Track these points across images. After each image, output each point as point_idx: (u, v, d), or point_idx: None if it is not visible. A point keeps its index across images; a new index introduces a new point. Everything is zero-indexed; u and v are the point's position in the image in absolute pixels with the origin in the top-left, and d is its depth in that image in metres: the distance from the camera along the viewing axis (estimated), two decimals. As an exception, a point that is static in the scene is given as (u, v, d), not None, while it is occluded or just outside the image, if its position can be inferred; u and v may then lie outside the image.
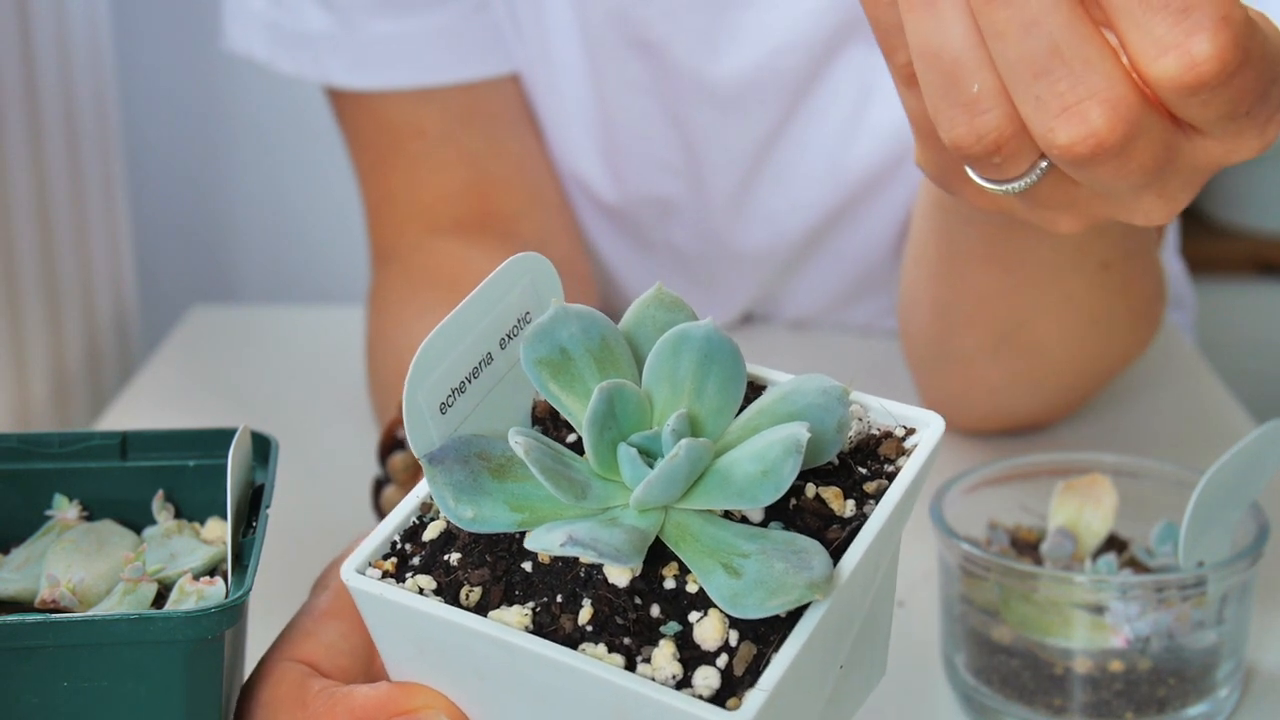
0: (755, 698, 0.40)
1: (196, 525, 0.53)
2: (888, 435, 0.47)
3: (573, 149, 0.97)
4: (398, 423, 0.73)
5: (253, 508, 0.51)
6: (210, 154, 1.51)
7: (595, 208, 1.01)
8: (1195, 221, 1.86)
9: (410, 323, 0.86)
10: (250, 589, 0.46)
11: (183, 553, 0.51)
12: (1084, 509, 0.66)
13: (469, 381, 0.46)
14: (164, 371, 1.05)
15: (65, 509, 0.53)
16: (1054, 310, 0.77)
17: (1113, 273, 0.75)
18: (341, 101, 0.95)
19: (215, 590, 0.48)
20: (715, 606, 0.41)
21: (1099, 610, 0.60)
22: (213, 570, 0.50)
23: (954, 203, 0.72)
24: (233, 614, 0.45)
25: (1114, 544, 0.66)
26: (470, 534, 0.45)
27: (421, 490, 0.47)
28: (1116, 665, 0.61)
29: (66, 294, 1.09)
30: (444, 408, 0.45)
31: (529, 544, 0.42)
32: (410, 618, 0.44)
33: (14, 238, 1.00)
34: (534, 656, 0.41)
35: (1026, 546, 0.67)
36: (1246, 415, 0.94)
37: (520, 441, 0.42)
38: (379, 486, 0.74)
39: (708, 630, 0.41)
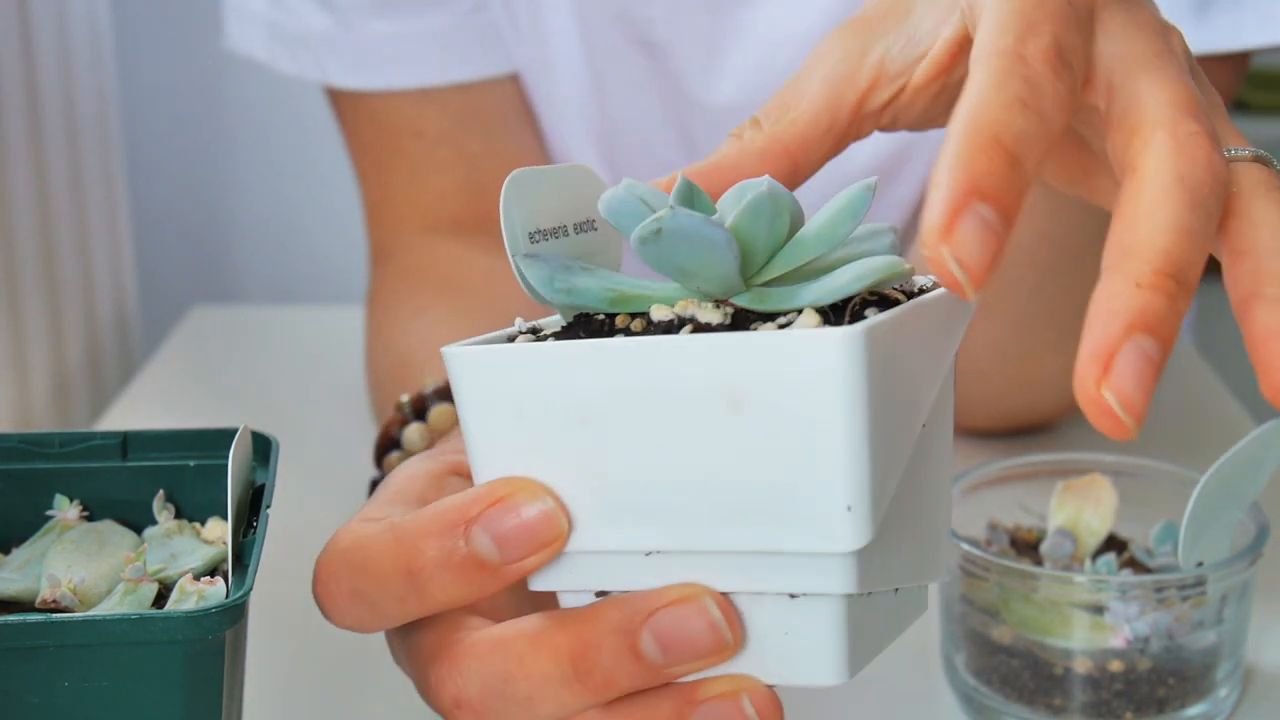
0: (865, 321, 0.40)
1: (197, 525, 0.53)
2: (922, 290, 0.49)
3: (573, 148, 0.97)
4: (394, 422, 0.73)
5: (253, 508, 0.51)
6: (210, 154, 1.51)
7: (595, 205, 1.01)
8: (1195, 221, 1.86)
9: (407, 322, 0.85)
10: (251, 589, 0.46)
11: (183, 553, 0.51)
12: (1084, 509, 0.66)
13: (561, 232, 0.47)
14: (164, 371, 1.05)
15: (66, 509, 0.53)
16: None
17: None
18: (341, 102, 0.95)
19: (216, 590, 0.48)
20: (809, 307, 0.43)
21: (1099, 610, 0.60)
22: (213, 570, 0.50)
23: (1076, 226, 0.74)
24: (233, 614, 0.45)
25: (1114, 544, 0.67)
26: (562, 329, 0.46)
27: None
28: (1116, 665, 0.61)
29: (66, 294, 1.09)
30: (533, 237, 0.46)
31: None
32: (507, 374, 0.43)
33: (14, 238, 1.00)
34: (635, 353, 0.41)
35: (1026, 547, 0.67)
36: (1246, 415, 0.94)
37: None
38: (375, 489, 0.74)
39: (805, 322, 0.42)
